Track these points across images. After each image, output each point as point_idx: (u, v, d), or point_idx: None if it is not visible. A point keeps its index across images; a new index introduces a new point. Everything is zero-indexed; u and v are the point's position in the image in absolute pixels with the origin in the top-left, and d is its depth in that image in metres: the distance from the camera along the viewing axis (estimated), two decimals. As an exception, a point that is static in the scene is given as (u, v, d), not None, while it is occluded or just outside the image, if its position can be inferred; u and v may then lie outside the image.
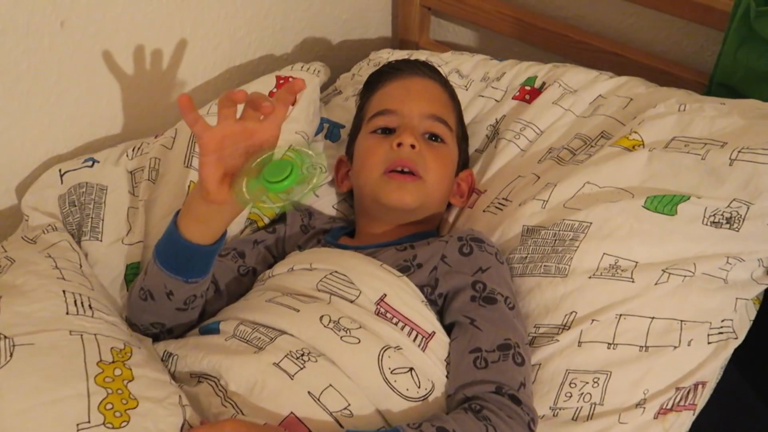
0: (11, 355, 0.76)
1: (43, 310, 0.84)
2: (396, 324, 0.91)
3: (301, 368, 0.84)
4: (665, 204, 0.97)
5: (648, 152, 1.03)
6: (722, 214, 0.96)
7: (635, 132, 1.07)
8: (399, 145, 1.07)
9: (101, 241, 1.06)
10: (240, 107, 0.84)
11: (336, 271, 0.96)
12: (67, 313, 0.84)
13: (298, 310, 0.90)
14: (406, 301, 0.93)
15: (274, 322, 0.89)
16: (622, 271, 0.95)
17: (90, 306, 0.86)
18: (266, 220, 1.17)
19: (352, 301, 0.92)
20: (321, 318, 0.89)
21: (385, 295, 0.93)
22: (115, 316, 0.91)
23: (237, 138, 0.83)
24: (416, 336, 0.90)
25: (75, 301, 0.86)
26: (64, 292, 0.87)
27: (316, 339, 0.87)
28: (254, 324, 0.90)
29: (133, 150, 1.15)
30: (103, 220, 1.07)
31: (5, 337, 0.78)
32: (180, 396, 0.80)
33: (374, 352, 0.86)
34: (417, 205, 1.07)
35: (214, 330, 0.93)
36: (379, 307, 0.92)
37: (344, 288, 0.94)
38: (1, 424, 0.72)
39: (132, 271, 1.06)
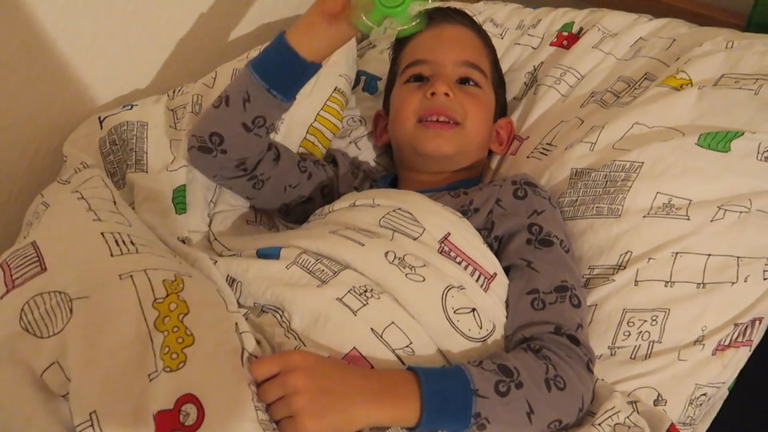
0: (71, 311, 0.75)
1: (87, 258, 0.82)
2: (459, 263, 0.90)
3: (365, 304, 0.83)
4: (719, 141, 0.96)
5: (697, 90, 1.01)
6: (777, 149, 0.95)
7: (682, 71, 1.05)
8: (432, 94, 1.06)
9: (147, 172, 1.06)
10: None
11: (399, 208, 0.95)
12: (112, 255, 0.82)
13: (363, 245, 0.89)
14: (469, 240, 0.92)
15: (338, 255, 0.88)
16: (677, 209, 0.94)
17: (132, 242, 0.84)
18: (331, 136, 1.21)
19: (415, 239, 0.91)
20: (386, 254, 0.88)
21: (449, 234, 0.92)
22: (158, 245, 0.89)
23: None
24: (479, 276, 0.90)
25: (116, 241, 0.84)
26: (102, 234, 0.84)
27: (380, 275, 0.86)
28: (317, 255, 0.90)
29: (173, 92, 1.17)
30: (147, 153, 1.07)
31: (60, 293, 0.77)
32: (237, 323, 0.78)
33: (438, 291, 0.86)
34: (455, 152, 1.07)
35: (275, 255, 0.91)
36: (443, 245, 0.91)
37: (408, 225, 0.93)
38: (72, 379, 0.72)
39: (179, 194, 1.05)
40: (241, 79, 0.99)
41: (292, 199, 1.10)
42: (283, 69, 0.96)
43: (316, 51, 0.96)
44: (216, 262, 0.92)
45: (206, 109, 1.03)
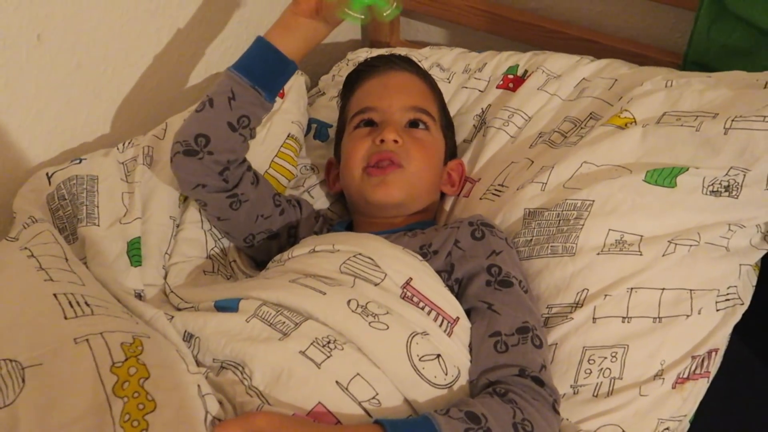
0: (23, 380, 0.72)
1: (40, 322, 0.79)
2: (422, 309, 0.89)
3: (328, 356, 0.82)
4: (665, 177, 0.98)
5: (641, 128, 1.04)
6: (720, 183, 0.97)
7: (626, 110, 1.08)
8: (382, 141, 1.07)
9: (98, 225, 1.04)
10: None
11: (360, 254, 0.94)
12: (66, 318, 0.79)
13: (325, 293, 0.88)
14: (431, 285, 0.92)
15: (299, 305, 0.87)
16: (629, 245, 0.96)
17: (86, 303, 0.81)
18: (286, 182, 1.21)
19: (377, 285, 0.90)
20: (348, 302, 0.87)
21: (411, 279, 0.91)
22: (113, 305, 0.87)
23: None
24: (442, 321, 0.89)
25: (70, 303, 0.81)
26: (55, 295, 0.81)
27: (343, 324, 0.85)
28: (278, 306, 0.88)
29: (123, 144, 1.15)
30: (98, 206, 1.05)
31: (11, 360, 0.74)
32: (199, 386, 0.76)
33: (403, 338, 0.85)
34: (404, 196, 1.07)
35: (233, 307, 0.89)
36: (405, 290, 0.91)
37: (369, 270, 0.92)
38: None
39: (134, 246, 1.03)
40: (224, 81, 1.03)
41: (260, 230, 1.10)
42: (265, 65, 1.03)
43: (294, 50, 1.04)
44: (172, 317, 0.89)
45: (191, 113, 1.05)
